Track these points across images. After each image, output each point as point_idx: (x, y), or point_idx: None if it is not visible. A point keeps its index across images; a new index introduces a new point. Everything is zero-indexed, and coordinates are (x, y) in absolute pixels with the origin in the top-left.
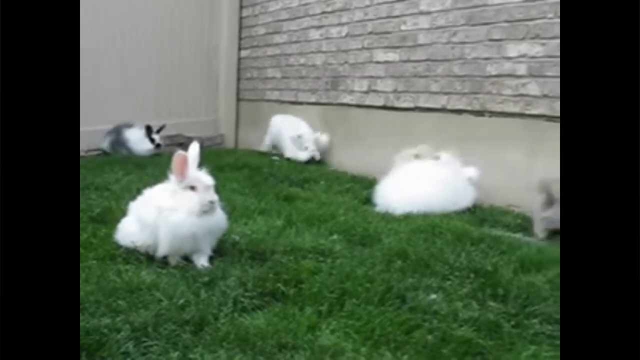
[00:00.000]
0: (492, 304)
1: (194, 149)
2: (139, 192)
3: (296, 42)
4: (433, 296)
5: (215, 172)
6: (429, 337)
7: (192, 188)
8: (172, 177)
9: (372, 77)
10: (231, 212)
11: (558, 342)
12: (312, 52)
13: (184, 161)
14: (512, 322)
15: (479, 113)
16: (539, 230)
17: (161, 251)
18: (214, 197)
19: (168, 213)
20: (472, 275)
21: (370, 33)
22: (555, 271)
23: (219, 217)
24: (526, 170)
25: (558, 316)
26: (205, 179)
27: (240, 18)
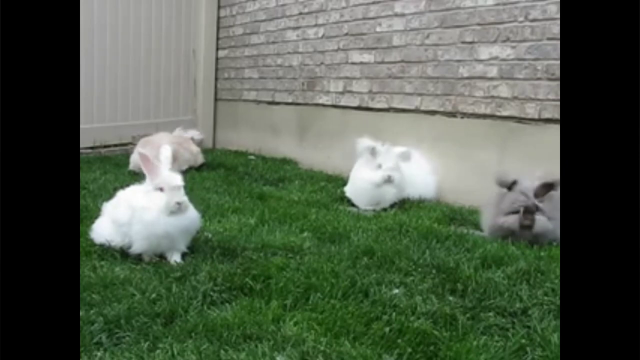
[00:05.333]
0: (450, 298)
1: (166, 151)
2: (115, 190)
3: (273, 42)
4: (395, 291)
5: (191, 171)
6: (387, 328)
7: (162, 189)
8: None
9: (347, 78)
10: (205, 210)
11: (509, 333)
12: (289, 52)
13: (147, 160)
14: (468, 315)
15: (451, 114)
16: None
17: (137, 249)
18: (181, 198)
19: (141, 212)
20: (434, 271)
21: (346, 34)
22: (514, 267)
23: (193, 216)
24: (496, 170)
25: (512, 309)
26: (172, 180)
27: (218, 18)
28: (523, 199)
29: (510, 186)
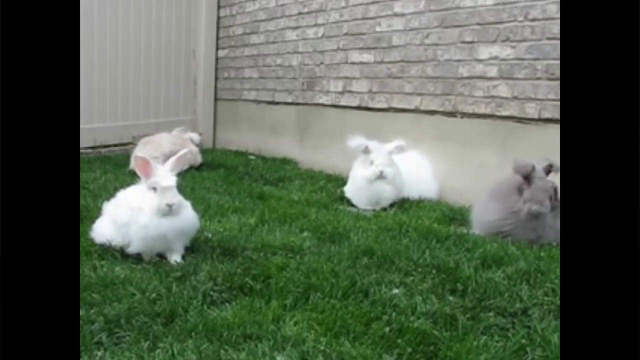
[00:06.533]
0: (450, 298)
1: (174, 157)
2: (115, 190)
3: (273, 42)
4: (395, 291)
5: (191, 170)
6: (387, 328)
7: (155, 189)
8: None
9: (347, 77)
10: (205, 210)
11: (509, 333)
12: (289, 52)
13: (145, 163)
14: (468, 315)
15: (451, 114)
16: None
17: (133, 249)
18: (172, 199)
19: (137, 213)
20: (434, 271)
21: (345, 34)
22: (514, 267)
23: (189, 218)
24: (496, 170)
25: (512, 309)
26: (163, 181)
27: (218, 18)
28: (551, 184)
29: (530, 173)
